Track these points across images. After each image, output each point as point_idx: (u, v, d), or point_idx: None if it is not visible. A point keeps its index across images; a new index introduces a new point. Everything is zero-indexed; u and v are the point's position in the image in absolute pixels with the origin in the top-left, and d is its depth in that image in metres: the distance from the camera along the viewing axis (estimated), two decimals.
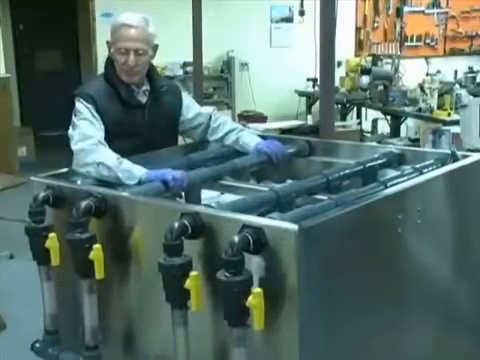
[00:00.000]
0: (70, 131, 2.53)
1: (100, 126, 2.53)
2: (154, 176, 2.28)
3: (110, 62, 2.68)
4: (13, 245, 4.57)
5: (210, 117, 2.84)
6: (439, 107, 6.02)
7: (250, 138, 2.76)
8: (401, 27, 9.58)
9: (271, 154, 2.63)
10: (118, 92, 2.62)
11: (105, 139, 2.49)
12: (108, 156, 2.39)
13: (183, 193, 2.38)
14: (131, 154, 2.44)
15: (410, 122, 6.43)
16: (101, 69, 2.75)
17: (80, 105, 2.55)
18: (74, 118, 2.54)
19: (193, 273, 1.71)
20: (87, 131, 2.48)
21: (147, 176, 2.29)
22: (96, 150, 2.41)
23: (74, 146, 2.47)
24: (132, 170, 2.32)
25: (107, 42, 2.67)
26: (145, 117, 2.67)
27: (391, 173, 2.47)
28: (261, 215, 1.92)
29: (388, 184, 2.20)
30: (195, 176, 2.40)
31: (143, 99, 2.69)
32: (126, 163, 2.35)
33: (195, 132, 2.86)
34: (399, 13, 9.63)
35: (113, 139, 2.50)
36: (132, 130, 2.60)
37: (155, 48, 2.71)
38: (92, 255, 1.95)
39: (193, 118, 2.83)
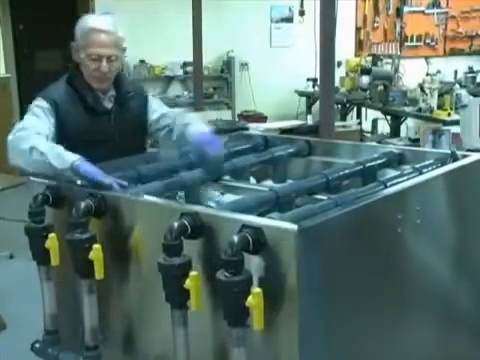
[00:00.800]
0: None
1: (49, 125, 2.43)
2: (85, 171, 2.14)
3: (75, 66, 2.59)
4: (13, 245, 4.58)
5: (170, 113, 2.76)
6: (439, 107, 6.03)
7: (193, 129, 2.54)
8: (401, 27, 9.60)
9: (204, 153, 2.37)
10: (83, 98, 2.54)
11: (71, 147, 2.29)
12: (41, 142, 2.29)
13: (183, 193, 2.38)
14: (100, 162, 2.25)
15: (410, 122, 6.44)
16: None
17: (35, 104, 2.48)
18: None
19: (193, 273, 1.71)
20: (28, 125, 2.38)
21: (78, 166, 2.15)
22: (30, 137, 2.30)
23: (8, 137, 2.35)
24: (64, 156, 2.20)
25: (72, 46, 2.58)
26: (111, 123, 2.60)
27: (391, 173, 2.48)
28: (261, 215, 1.93)
29: (388, 184, 2.20)
30: (194, 176, 2.41)
31: (109, 105, 2.62)
32: (59, 148, 2.25)
33: (160, 133, 2.75)
34: (399, 13, 9.64)
35: (79, 147, 2.31)
36: (99, 137, 2.50)
37: (124, 51, 2.63)
38: (92, 255, 1.95)
39: (158, 119, 2.74)
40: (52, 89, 2.57)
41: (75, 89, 2.55)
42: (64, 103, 2.49)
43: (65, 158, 2.19)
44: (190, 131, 2.53)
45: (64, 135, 2.48)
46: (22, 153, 2.27)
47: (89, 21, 2.54)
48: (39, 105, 2.47)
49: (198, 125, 2.59)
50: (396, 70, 7.37)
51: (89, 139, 2.46)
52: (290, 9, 9.20)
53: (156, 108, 2.77)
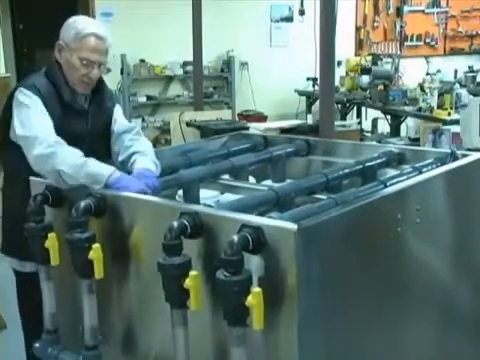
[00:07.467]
0: (18, 130, 2.33)
1: (50, 121, 2.34)
2: (124, 184, 2.15)
3: (58, 63, 2.52)
4: None
5: (130, 131, 2.60)
6: (439, 106, 6.02)
7: (138, 164, 2.42)
8: (401, 26, 9.58)
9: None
10: (60, 94, 2.45)
11: None
12: (65, 159, 2.19)
13: (181, 192, 2.38)
14: None
15: (410, 121, 6.42)
16: None
17: (26, 97, 2.37)
18: (19, 112, 2.35)
19: (192, 273, 1.71)
20: (39, 132, 2.27)
21: (115, 181, 2.16)
22: (54, 154, 2.20)
23: (33, 151, 2.24)
24: (93, 175, 2.16)
25: (59, 44, 2.50)
26: (87, 123, 2.52)
27: (391, 172, 2.48)
28: (260, 214, 1.93)
29: (387, 183, 2.20)
30: (192, 174, 2.41)
31: (85, 104, 2.54)
32: (86, 165, 2.18)
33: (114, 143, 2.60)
34: (399, 12, 9.64)
35: None
36: (70, 136, 2.33)
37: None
38: (91, 255, 1.95)
39: (115, 124, 2.61)
40: (34, 80, 2.48)
41: (52, 84, 2.47)
42: (44, 95, 2.41)
43: (97, 178, 2.15)
44: (134, 165, 2.41)
45: None
46: (49, 174, 2.21)
47: (86, 25, 2.48)
48: (29, 99, 2.36)
49: (144, 160, 2.42)
50: (396, 69, 7.36)
51: (62, 138, 2.30)
52: (290, 8, 9.19)
53: (118, 115, 2.64)
